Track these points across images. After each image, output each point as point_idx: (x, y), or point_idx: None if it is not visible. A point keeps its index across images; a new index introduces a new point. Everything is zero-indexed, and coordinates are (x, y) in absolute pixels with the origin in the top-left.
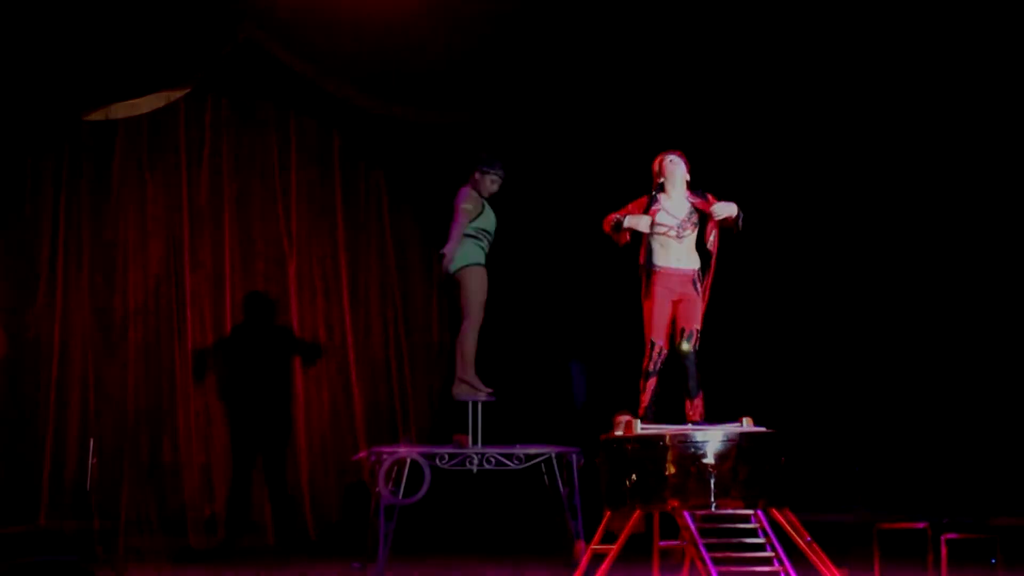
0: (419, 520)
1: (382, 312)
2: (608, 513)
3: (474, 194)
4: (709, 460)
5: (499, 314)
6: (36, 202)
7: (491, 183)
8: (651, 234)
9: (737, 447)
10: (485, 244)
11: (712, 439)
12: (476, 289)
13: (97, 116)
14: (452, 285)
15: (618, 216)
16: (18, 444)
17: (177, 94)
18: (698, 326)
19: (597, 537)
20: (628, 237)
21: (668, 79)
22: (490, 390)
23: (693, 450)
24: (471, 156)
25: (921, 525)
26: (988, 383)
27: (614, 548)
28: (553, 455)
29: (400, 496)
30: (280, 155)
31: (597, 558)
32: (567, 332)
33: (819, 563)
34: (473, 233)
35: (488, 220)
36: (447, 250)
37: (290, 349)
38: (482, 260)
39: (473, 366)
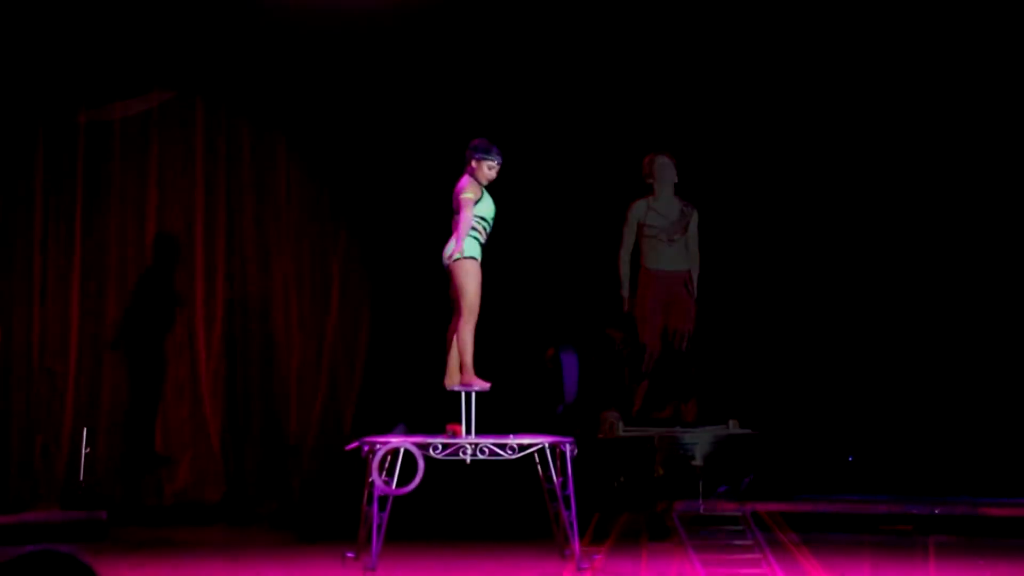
0: (412, 510)
1: (373, 304)
2: (598, 515)
3: (473, 182)
4: (697, 461)
5: (495, 303)
6: (30, 199)
7: (489, 169)
8: (645, 236)
9: (725, 448)
10: (482, 235)
11: (700, 441)
12: (466, 283)
13: (92, 116)
14: (448, 277)
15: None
16: (11, 435)
17: (170, 94)
18: (690, 327)
19: (589, 534)
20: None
21: (662, 72)
22: (487, 385)
23: (681, 451)
24: (466, 144)
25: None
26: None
27: (606, 544)
28: (547, 445)
29: (393, 486)
30: (273, 155)
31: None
32: (562, 323)
33: (806, 562)
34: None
35: (487, 208)
36: (457, 247)
37: (282, 343)
38: (476, 254)
39: (471, 367)
